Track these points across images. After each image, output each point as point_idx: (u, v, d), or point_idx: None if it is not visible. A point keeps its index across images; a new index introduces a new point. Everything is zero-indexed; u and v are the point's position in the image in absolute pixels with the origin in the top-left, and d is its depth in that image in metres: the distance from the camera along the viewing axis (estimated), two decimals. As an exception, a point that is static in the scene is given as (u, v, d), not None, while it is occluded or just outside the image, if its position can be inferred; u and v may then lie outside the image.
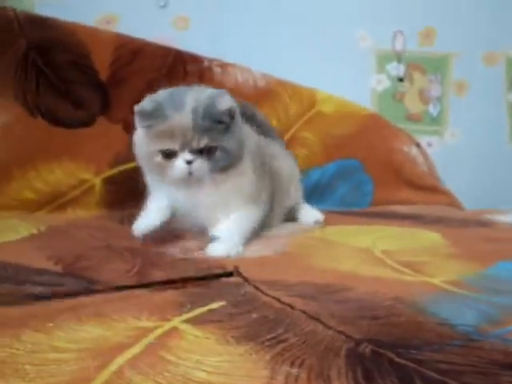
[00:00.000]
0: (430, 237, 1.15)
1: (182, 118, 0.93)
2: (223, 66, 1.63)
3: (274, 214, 1.17)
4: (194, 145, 0.94)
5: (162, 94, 0.99)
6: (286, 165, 1.27)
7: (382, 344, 0.56)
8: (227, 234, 0.99)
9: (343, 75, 1.84)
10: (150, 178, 1.05)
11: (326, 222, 1.30)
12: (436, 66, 1.95)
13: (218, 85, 1.59)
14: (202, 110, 0.94)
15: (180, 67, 1.56)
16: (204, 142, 0.94)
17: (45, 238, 1.09)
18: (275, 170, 1.18)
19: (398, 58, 1.93)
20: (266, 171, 1.11)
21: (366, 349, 0.55)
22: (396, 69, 1.94)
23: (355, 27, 1.89)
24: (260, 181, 1.06)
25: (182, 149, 0.94)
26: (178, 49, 1.57)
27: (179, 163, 0.95)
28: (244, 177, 1.03)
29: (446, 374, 0.50)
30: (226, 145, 0.97)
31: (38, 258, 0.90)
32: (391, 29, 1.91)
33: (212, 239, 0.99)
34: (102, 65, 1.46)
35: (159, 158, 0.96)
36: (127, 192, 1.36)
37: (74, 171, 1.41)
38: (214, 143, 0.95)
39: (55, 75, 1.41)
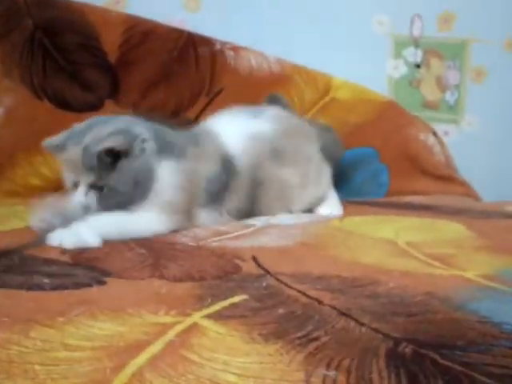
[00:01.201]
0: (454, 228, 1.10)
1: (75, 153, 0.95)
2: (236, 49, 1.58)
3: None
4: (84, 180, 0.95)
5: (79, 125, 1.01)
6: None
7: (423, 344, 0.51)
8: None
9: (359, 61, 1.78)
10: None
11: (344, 212, 1.25)
12: (454, 52, 1.89)
13: (232, 69, 1.54)
14: (92, 147, 0.93)
15: (191, 50, 1.51)
16: (90, 179, 0.95)
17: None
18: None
19: (416, 43, 1.87)
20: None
21: (406, 349, 0.50)
22: (413, 55, 1.88)
23: (372, 11, 1.83)
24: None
25: (81, 182, 0.96)
26: (189, 31, 1.52)
27: (77, 193, 0.96)
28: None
29: (500, 379, 0.45)
30: (112, 183, 0.95)
31: (44, 248, 0.85)
32: (409, 13, 1.85)
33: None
34: (111, 46, 1.42)
35: (69, 186, 0.99)
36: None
37: (81, 157, 1.36)
38: (100, 182, 0.95)
39: (62, 57, 1.37)
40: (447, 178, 1.69)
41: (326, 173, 1.30)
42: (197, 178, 1.04)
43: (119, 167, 0.95)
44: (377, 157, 1.66)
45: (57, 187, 1.30)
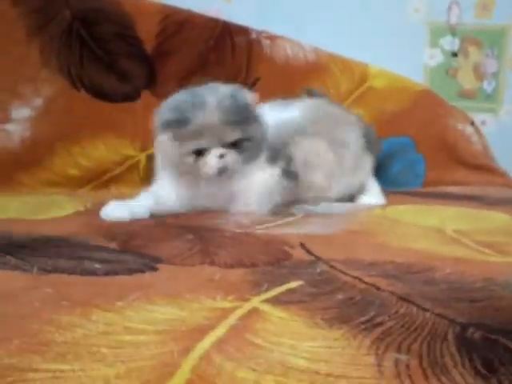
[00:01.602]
0: (499, 217, 1.08)
1: (209, 115, 0.95)
2: (272, 38, 1.56)
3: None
4: (225, 139, 0.97)
5: (178, 99, 1.01)
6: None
7: (492, 329, 0.50)
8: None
9: (395, 49, 1.76)
10: (169, 180, 1.04)
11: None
12: (493, 40, 1.85)
13: (268, 58, 1.53)
14: (228, 104, 0.96)
15: (228, 39, 1.50)
16: (236, 135, 0.97)
17: (92, 214, 1.04)
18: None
19: (453, 31, 1.84)
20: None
21: (475, 334, 0.49)
22: (450, 43, 1.85)
23: (408, -2, 1.81)
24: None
25: (214, 145, 0.96)
26: (225, 20, 1.51)
27: (212, 159, 0.96)
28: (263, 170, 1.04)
29: None
30: (253, 134, 0.99)
31: (91, 235, 0.85)
32: (446, 0, 1.82)
33: None
34: (148, 36, 1.41)
35: (191, 158, 0.97)
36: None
37: (118, 147, 1.36)
38: (245, 135, 0.98)
39: (99, 47, 1.36)
40: (485, 168, 1.66)
41: (366, 161, 1.27)
42: None
43: (254, 119, 1.01)
44: (413, 146, 1.64)
45: (94, 177, 1.31)
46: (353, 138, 1.24)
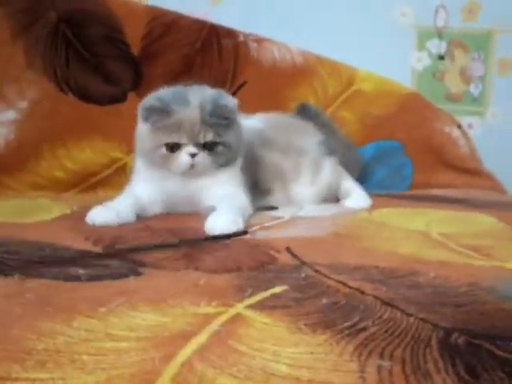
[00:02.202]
0: (486, 220, 1.08)
1: (190, 112, 0.97)
2: (259, 41, 1.56)
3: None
4: (200, 139, 0.97)
5: (164, 92, 1.02)
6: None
7: (475, 334, 0.50)
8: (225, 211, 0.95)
9: (382, 52, 1.77)
10: (144, 171, 1.05)
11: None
12: (479, 44, 1.86)
13: (255, 61, 1.53)
14: (210, 105, 0.98)
15: (214, 41, 1.50)
16: (210, 137, 0.98)
17: (78, 218, 1.03)
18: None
19: (440, 34, 1.85)
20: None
21: (459, 339, 0.49)
22: (437, 46, 1.86)
23: (396, 2, 1.81)
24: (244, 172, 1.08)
25: (187, 142, 0.97)
26: (212, 22, 1.50)
27: (183, 156, 0.97)
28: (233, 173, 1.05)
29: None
30: (228, 140, 1.00)
31: (75, 239, 0.84)
32: (433, 4, 1.82)
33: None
34: (134, 38, 1.41)
35: (163, 151, 0.98)
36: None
37: (105, 149, 1.36)
38: (218, 138, 0.99)
39: (86, 49, 1.36)
40: (472, 170, 1.67)
41: (326, 165, 1.28)
42: None
43: (234, 125, 1.02)
44: (401, 150, 1.64)
45: (80, 180, 1.30)
46: (310, 144, 1.27)
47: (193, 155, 0.97)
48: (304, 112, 1.39)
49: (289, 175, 1.21)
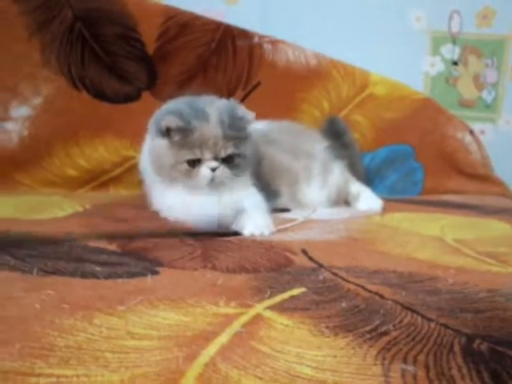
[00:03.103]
0: (500, 227, 1.08)
1: (211, 128, 0.95)
2: (274, 42, 1.56)
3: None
4: (221, 153, 0.96)
5: (181, 106, 0.98)
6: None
7: (498, 341, 0.49)
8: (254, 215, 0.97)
9: (396, 57, 1.76)
10: (160, 188, 1.03)
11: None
12: (493, 50, 1.85)
13: (269, 62, 1.53)
14: (229, 119, 0.97)
15: (229, 42, 1.49)
16: (230, 150, 0.97)
17: (91, 215, 1.03)
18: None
19: (454, 40, 1.84)
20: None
21: (482, 345, 0.49)
22: (451, 51, 1.85)
23: (410, 7, 1.80)
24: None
25: (208, 157, 0.96)
26: (227, 23, 1.50)
27: (204, 170, 0.96)
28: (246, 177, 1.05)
29: None
30: (244, 151, 1.00)
31: (90, 236, 0.84)
32: (447, 9, 1.82)
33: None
34: (150, 38, 1.40)
35: (185, 166, 0.96)
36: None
37: (118, 148, 1.35)
38: (237, 151, 0.98)
39: (101, 48, 1.36)
40: (483, 177, 1.66)
41: (336, 169, 1.30)
42: None
43: (249, 135, 1.01)
44: (412, 154, 1.63)
45: (92, 178, 1.30)
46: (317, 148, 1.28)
47: (213, 169, 0.96)
48: (332, 126, 1.41)
49: (298, 177, 1.21)
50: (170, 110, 0.97)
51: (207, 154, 0.95)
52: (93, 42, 1.34)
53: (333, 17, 1.73)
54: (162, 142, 0.97)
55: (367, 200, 1.27)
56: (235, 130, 0.97)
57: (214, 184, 0.97)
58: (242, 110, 0.99)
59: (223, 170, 0.96)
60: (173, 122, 0.94)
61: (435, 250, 0.85)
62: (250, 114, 0.99)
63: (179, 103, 1.00)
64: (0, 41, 1.28)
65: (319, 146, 1.29)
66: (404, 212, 1.21)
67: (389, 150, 1.60)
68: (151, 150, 1.01)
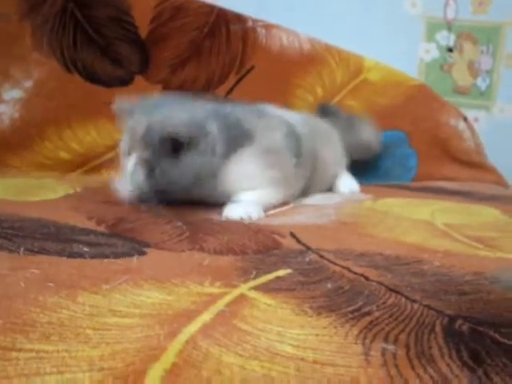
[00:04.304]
0: (490, 212, 1.08)
1: (139, 124, 0.91)
2: (268, 27, 1.55)
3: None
4: (138, 153, 0.91)
5: (150, 99, 0.99)
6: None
7: (480, 322, 0.50)
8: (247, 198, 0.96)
9: (390, 43, 1.76)
10: None
11: (374, 194, 1.23)
12: (488, 37, 1.85)
13: (263, 46, 1.52)
14: (153, 127, 0.89)
15: (223, 26, 1.49)
16: (144, 155, 0.90)
17: (81, 198, 1.03)
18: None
19: (449, 26, 1.83)
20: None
21: (463, 326, 0.49)
22: (446, 38, 1.84)
23: (405, -8, 1.80)
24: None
25: (133, 151, 0.92)
26: (221, 7, 1.49)
27: (127, 162, 0.93)
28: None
29: None
30: (166, 169, 0.90)
31: (79, 218, 0.84)
32: (443, -5, 1.81)
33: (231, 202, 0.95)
34: (143, 21, 1.40)
35: (123, 150, 0.95)
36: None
37: (110, 131, 1.35)
38: (154, 162, 0.89)
39: (94, 30, 1.35)
40: (477, 164, 1.66)
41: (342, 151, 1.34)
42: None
43: (181, 157, 0.90)
44: (406, 141, 1.63)
45: (85, 161, 1.30)
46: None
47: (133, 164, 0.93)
48: (326, 113, 1.42)
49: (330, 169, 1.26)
50: (169, 122, 0.92)
51: (130, 147, 0.94)
52: (85, 24, 1.34)
53: (328, 2, 1.72)
54: None
55: (347, 182, 1.28)
56: (156, 142, 0.89)
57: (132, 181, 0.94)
58: (179, 131, 0.89)
59: (138, 172, 0.93)
60: (125, 102, 0.98)
61: (424, 234, 0.86)
62: (171, 134, 0.88)
63: (159, 98, 1.03)
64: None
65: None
66: (396, 197, 1.21)
67: (383, 136, 1.59)
68: None
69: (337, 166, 1.31)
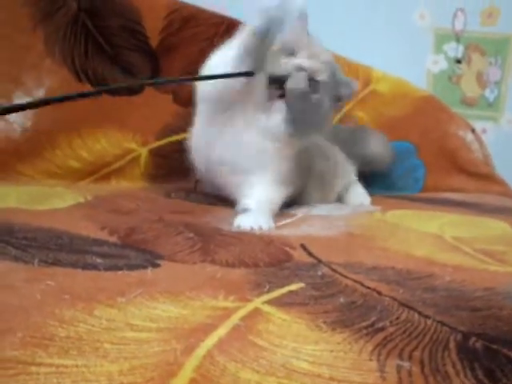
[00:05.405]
0: (498, 226, 1.08)
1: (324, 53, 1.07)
2: (277, 37, 1.55)
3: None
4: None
5: None
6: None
7: (493, 339, 0.50)
8: (257, 207, 0.97)
9: (398, 54, 1.77)
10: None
11: (383, 206, 1.23)
12: (497, 48, 1.85)
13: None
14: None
15: (233, 37, 1.49)
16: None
17: (93, 207, 1.03)
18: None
19: (457, 38, 1.84)
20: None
21: (477, 343, 0.49)
22: (454, 49, 1.85)
23: (414, 4, 1.80)
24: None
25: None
26: (231, 17, 1.50)
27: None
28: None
29: None
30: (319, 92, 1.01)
31: (91, 228, 0.84)
32: (452, 7, 1.82)
33: (241, 211, 0.97)
34: (153, 31, 1.40)
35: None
36: (173, 165, 1.32)
37: (120, 140, 1.35)
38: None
39: (105, 39, 1.36)
40: (485, 176, 1.66)
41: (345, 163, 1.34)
42: None
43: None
44: (414, 152, 1.64)
45: (95, 170, 1.31)
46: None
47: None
48: None
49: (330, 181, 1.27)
50: None
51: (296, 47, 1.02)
52: (96, 33, 1.34)
53: (337, 12, 1.73)
54: None
55: (358, 194, 1.28)
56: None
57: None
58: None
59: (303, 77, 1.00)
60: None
61: (433, 248, 0.86)
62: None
63: None
64: (4, 31, 1.28)
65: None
66: (404, 209, 1.22)
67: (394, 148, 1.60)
68: None
69: (339, 179, 1.30)
